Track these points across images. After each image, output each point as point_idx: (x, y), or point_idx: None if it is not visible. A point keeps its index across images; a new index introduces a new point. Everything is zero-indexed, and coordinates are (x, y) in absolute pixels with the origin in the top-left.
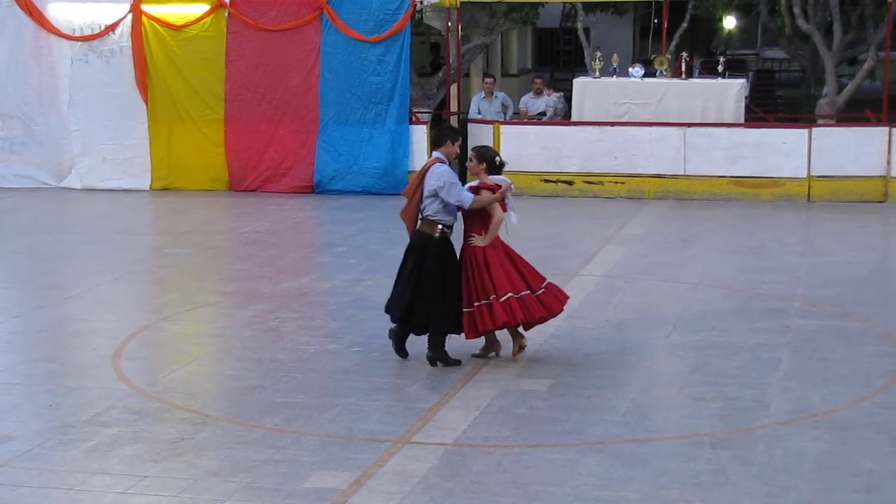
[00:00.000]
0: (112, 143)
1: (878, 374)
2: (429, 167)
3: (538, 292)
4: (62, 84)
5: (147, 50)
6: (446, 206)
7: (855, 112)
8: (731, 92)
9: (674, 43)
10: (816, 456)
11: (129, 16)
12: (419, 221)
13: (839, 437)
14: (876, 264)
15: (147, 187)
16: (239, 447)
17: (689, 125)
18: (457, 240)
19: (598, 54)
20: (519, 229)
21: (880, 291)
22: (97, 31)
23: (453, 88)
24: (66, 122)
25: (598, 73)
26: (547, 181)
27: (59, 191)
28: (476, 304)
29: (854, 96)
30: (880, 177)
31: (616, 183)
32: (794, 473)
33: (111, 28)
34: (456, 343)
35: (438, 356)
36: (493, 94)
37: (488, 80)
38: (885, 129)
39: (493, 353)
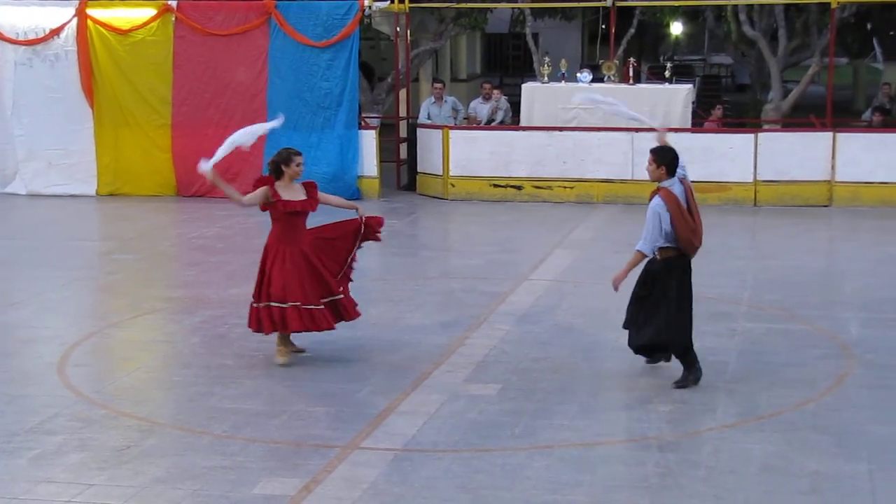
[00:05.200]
0: (57, 148)
1: (822, 376)
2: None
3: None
4: (6, 89)
5: (93, 54)
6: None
7: (800, 117)
8: (677, 97)
9: (621, 48)
10: (762, 458)
11: (75, 20)
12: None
13: (784, 439)
14: (821, 268)
15: (93, 193)
16: (187, 454)
17: (638, 130)
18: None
19: (547, 60)
20: (468, 234)
21: (825, 294)
22: (41, 35)
23: (402, 93)
24: (10, 127)
25: (546, 78)
26: (496, 186)
27: (4, 196)
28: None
29: (799, 101)
30: (825, 181)
31: (565, 188)
32: (740, 475)
33: (56, 32)
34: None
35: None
36: (442, 98)
37: (437, 85)
38: (829, 134)
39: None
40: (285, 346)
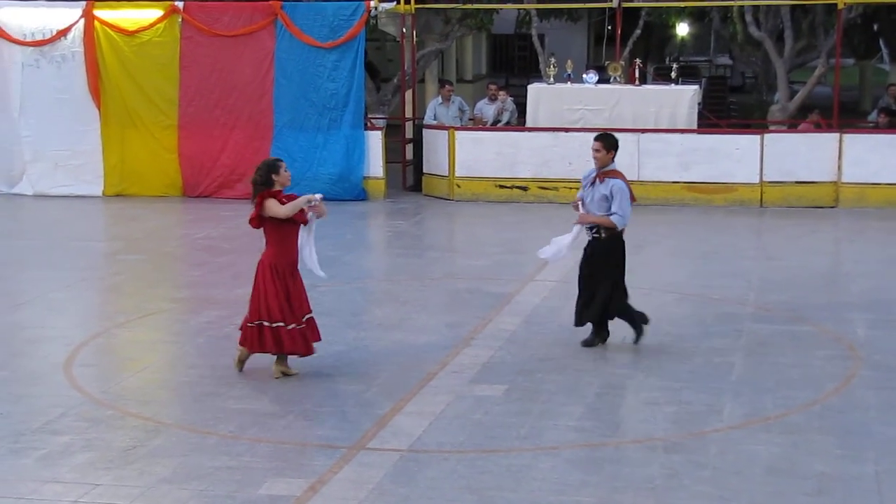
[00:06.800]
0: (64, 149)
1: (828, 377)
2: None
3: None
4: (13, 90)
5: (99, 55)
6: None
7: (806, 118)
8: (684, 98)
9: (627, 49)
10: (768, 459)
11: (82, 21)
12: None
13: (790, 440)
14: (827, 269)
15: (100, 193)
16: (193, 454)
17: (643, 131)
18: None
19: (553, 60)
20: (474, 235)
21: (831, 296)
22: (49, 36)
23: (408, 94)
24: (17, 128)
25: (552, 79)
26: (502, 187)
27: (11, 197)
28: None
29: (805, 102)
30: (831, 182)
31: (570, 188)
32: (746, 477)
33: (63, 33)
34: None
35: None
36: (450, 99)
37: (449, 87)
38: (835, 136)
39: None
40: (281, 365)
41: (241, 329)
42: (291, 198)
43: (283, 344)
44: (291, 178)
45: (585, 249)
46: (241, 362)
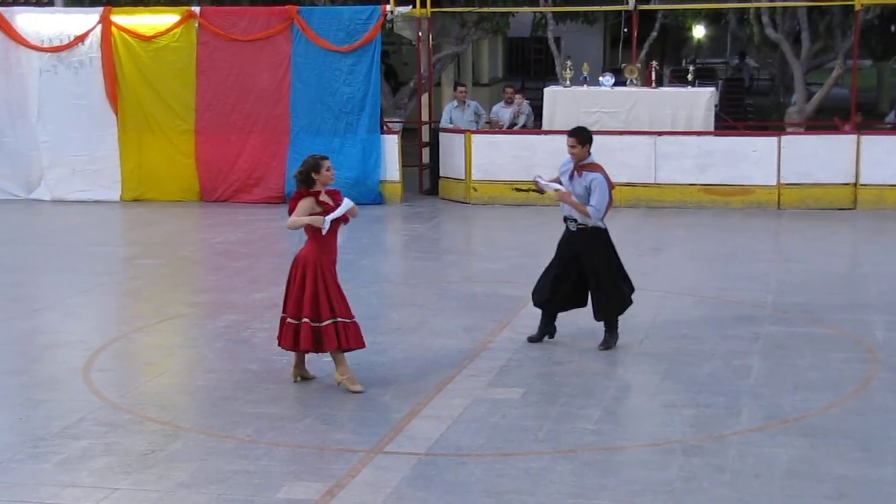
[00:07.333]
0: (82, 154)
1: (847, 380)
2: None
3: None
4: (31, 95)
5: (117, 61)
6: None
7: (824, 120)
8: (700, 100)
9: (644, 52)
10: (787, 462)
11: (99, 26)
12: None
13: (810, 443)
14: (845, 271)
15: (117, 198)
16: (211, 458)
17: (660, 133)
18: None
19: (569, 63)
20: (490, 238)
21: (850, 298)
22: (66, 41)
23: (424, 98)
24: (35, 133)
25: (568, 82)
26: (518, 190)
27: (29, 202)
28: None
29: (823, 104)
30: (849, 184)
31: None
32: (765, 480)
33: (80, 39)
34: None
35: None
36: (465, 102)
37: (461, 88)
38: (853, 137)
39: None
40: (299, 368)
41: (295, 332)
42: (333, 193)
43: (342, 340)
44: None
45: (572, 241)
46: (298, 368)
